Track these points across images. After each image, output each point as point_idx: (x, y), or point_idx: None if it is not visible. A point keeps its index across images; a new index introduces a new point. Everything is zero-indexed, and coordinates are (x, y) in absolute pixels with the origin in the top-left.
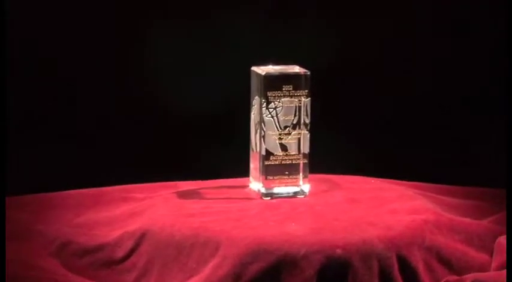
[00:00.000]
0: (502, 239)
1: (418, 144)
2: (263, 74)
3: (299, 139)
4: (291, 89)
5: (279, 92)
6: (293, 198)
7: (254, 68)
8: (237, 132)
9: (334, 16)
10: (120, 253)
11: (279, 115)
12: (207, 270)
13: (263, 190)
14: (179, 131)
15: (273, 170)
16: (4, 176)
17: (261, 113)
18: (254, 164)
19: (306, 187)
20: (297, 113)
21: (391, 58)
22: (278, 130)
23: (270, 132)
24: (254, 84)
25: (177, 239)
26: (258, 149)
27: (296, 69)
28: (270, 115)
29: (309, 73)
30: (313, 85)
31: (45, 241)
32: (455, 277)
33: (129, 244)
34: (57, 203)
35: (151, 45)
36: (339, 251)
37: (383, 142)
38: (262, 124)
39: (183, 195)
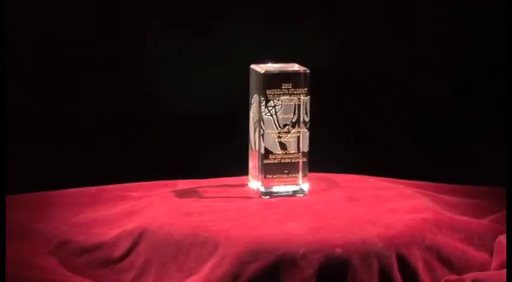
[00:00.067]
0: (502, 238)
1: (418, 144)
2: (262, 72)
3: (298, 137)
4: (290, 87)
5: (278, 90)
6: (292, 197)
7: (253, 66)
8: (237, 132)
9: (334, 16)
10: (118, 252)
11: (278, 113)
12: (205, 269)
13: (262, 189)
14: (179, 131)
15: (272, 168)
16: (4, 176)
17: (260, 111)
18: (253, 163)
19: (305, 186)
20: (296, 112)
21: (391, 58)
22: (277, 128)
23: (269, 131)
24: (253, 83)
25: (176, 238)
26: (257, 148)
27: (295, 67)
28: (269, 113)
29: (308, 71)
30: (313, 85)
31: (44, 240)
32: (455, 276)
33: (127, 243)
34: (55, 202)
35: (151, 45)
36: (338, 250)
37: (383, 142)
38: (261, 122)
39: (182, 194)
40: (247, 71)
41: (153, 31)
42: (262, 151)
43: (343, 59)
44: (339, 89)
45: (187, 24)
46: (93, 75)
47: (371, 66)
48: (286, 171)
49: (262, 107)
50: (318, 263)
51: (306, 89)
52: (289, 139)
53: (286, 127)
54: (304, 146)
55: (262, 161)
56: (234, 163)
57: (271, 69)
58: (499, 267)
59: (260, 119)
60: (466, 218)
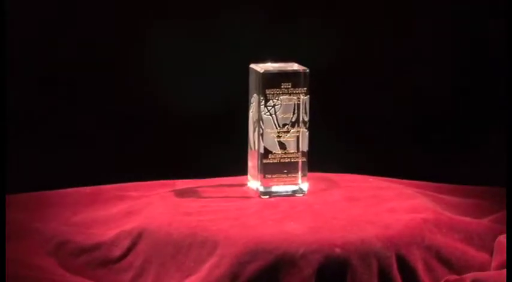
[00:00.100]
0: (502, 238)
1: (418, 144)
2: (261, 71)
3: (298, 137)
4: (289, 86)
5: (277, 89)
6: (291, 197)
7: (253, 66)
8: (237, 132)
9: (334, 16)
10: (117, 252)
11: (277, 113)
12: (204, 269)
13: (261, 189)
14: (179, 131)
15: (272, 168)
16: (4, 176)
17: (259, 111)
18: (252, 162)
19: (304, 186)
20: (296, 111)
21: (391, 58)
22: (276, 128)
23: (269, 130)
24: (252, 82)
25: (175, 238)
26: (256, 147)
27: (295, 66)
28: (268, 113)
29: (307, 70)
30: (313, 84)
31: (42, 240)
32: (455, 277)
33: (126, 243)
34: (54, 202)
35: (151, 45)
36: (337, 250)
37: (383, 142)
38: (261, 122)
39: (181, 193)
40: (247, 71)
41: (153, 31)
42: (262, 151)
43: (343, 58)
44: (338, 88)
45: (187, 24)
46: (93, 75)
47: (371, 66)
48: (285, 171)
49: (262, 107)
50: (317, 263)
51: (305, 88)
52: (289, 139)
53: (286, 127)
54: (304, 146)
55: (261, 161)
56: (234, 163)
57: (271, 68)
58: (499, 267)
59: (259, 119)
60: (466, 218)
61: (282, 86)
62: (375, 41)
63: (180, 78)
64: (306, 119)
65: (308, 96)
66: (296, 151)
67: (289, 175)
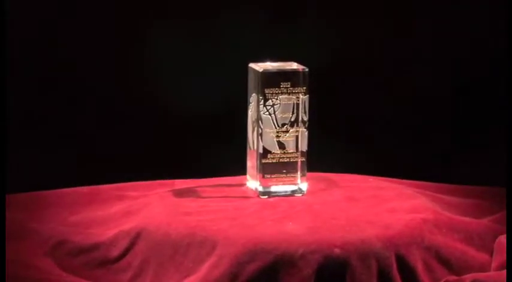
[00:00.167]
0: (502, 238)
1: (418, 144)
2: (260, 70)
3: (297, 137)
4: (288, 86)
5: (276, 89)
6: (291, 197)
7: (252, 65)
8: (237, 132)
9: (334, 16)
10: (115, 252)
11: (276, 112)
12: (203, 269)
13: (260, 188)
14: (179, 131)
15: (271, 168)
16: (4, 176)
17: (258, 111)
18: (251, 162)
19: (303, 185)
20: (295, 111)
21: (391, 58)
22: (276, 128)
23: (268, 130)
24: (252, 81)
25: (173, 238)
26: (255, 147)
27: (294, 66)
28: (267, 112)
29: (307, 70)
30: (313, 84)
31: (40, 240)
32: (454, 277)
33: (124, 243)
34: (52, 201)
35: (151, 45)
36: (337, 250)
37: (383, 142)
38: (260, 122)
39: (180, 193)
40: (247, 71)
41: (153, 31)
42: (261, 150)
43: (343, 58)
44: (338, 88)
45: (187, 24)
46: (93, 75)
47: (371, 66)
48: (284, 171)
49: (261, 106)
50: (316, 263)
51: (304, 88)
52: (288, 138)
53: (285, 126)
54: (303, 146)
55: (260, 161)
56: (234, 163)
57: (270, 68)
58: (499, 268)
59: (258, 118)
60: (466, 218)
61: (281, 86)
62: (375, 41)
63: (180, 78)
64: (305, 118)
65: (307, 95)
66: (295, 151)
67: (288, 175)
